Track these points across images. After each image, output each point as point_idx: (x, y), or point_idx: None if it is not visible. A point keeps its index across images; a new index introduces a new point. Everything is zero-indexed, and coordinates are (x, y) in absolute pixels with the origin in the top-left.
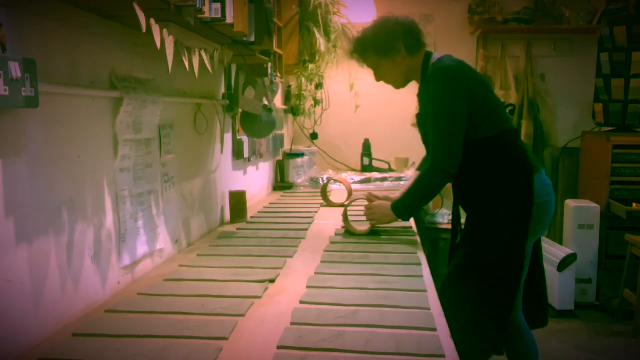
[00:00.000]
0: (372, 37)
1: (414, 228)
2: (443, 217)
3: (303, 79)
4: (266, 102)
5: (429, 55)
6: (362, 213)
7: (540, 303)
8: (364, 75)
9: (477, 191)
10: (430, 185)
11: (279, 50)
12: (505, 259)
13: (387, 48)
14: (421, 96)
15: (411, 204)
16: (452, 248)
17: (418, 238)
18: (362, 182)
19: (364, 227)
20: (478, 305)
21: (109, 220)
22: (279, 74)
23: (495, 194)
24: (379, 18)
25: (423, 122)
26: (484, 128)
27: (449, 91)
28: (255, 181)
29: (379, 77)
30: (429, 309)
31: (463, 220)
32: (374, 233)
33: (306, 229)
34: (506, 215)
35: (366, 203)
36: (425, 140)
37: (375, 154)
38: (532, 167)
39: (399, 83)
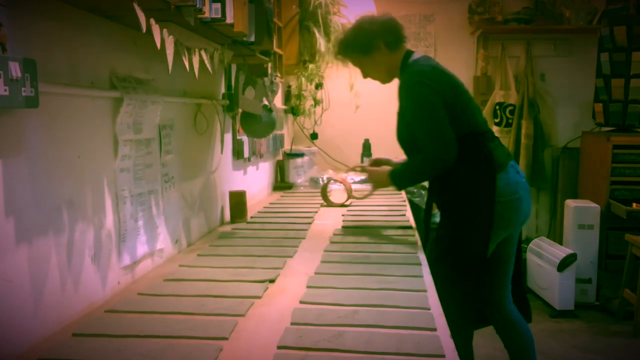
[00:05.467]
0: (353, 38)
1: (414, 228)
2: None
3: (303, 79)
4: (266, 102)
5: (408, 54)
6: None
7: (521, 299)
8: None
9: (445, 190)
10: (425, 170)
11: (279, 50)
12: (469, 258)
13: (368, 46)
14: (399, 94)
15: (407, 178)
16: (424, 243)
17: (418, 238)
18: (362, 182)
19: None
20: (446, 305)
21: (109, 220)
22: (279, 74)
23: (459, 193)
24: (356, 20)
25: (400, 119)
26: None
27: (426, 91)
28: (255, 181)
29: (365, 74)
30: (429, 309)
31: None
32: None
33: (306, 229)
34: (468, 214)
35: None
36: (400, 137)
37: (375, 154)
38: (496, 167)
39: (384, 79)
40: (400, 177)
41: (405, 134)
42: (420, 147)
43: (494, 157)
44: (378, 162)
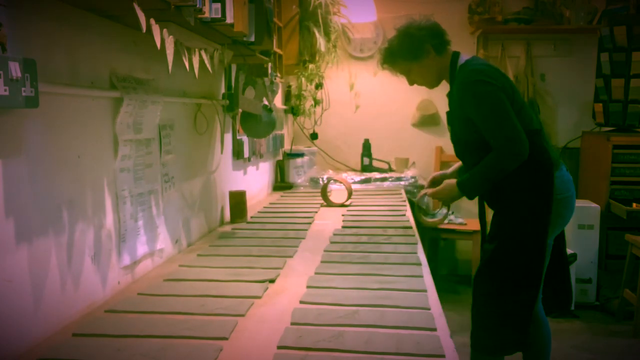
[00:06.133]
0: (402, 46)
1: (414, 228)
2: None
3: (303, 79)
4: (266, 102)
5: (456, 55)
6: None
7: (565, 288)
8: (364, 75)
9: (499, 189)
10: (500, 168)
11: (279, 50)
12: (527, 255)
13: (418, 52)
14: (452, 95)
15: (479, 182)
16: (482, 243)
17: (418, 238)
18: (362, 182)
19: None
20: (502, 303)
21: (109, 220)
22: (279, 74)
23: (516, 192)
24: (401, 26)
25: (451, 119)
26: None
27: (489, 88)
28: (255, 181)
29: (411, 81)
30: (429, 309)
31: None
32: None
33: (306, 229)
34: (527, 212)
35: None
36: (454, 139)
37: (375, 154)
38: (553, 164)
39: (432, 83)
40: (470, 185)
41: (460, 134)
42: (492, 145)
43: (550, 155)
44: (436, 181)
